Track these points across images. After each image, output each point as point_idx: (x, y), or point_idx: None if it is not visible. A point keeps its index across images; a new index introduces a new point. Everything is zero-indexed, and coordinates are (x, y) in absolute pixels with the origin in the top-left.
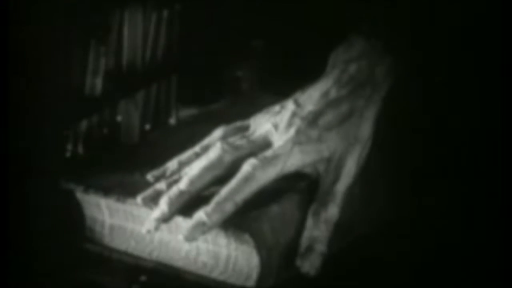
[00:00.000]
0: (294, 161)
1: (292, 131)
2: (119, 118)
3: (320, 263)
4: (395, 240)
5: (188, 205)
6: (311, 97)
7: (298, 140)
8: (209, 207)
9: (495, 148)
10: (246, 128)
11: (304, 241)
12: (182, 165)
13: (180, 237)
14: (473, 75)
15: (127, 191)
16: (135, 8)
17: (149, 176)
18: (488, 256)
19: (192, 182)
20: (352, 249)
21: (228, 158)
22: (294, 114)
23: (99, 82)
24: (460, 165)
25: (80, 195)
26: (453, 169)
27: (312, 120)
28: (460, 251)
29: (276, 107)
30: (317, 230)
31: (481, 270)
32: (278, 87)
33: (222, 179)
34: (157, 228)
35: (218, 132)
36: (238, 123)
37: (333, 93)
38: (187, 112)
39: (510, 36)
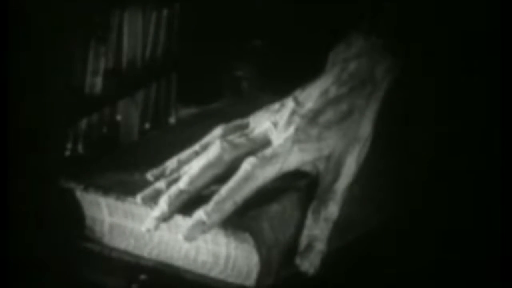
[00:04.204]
0: (294, 159)
1: (291, 129)
2: (118, 117)
3: (319, 261)
4: (395, 239)
5: (187, 204)
6: (310, 95)
7: (297, 138)
8: (208, 206)
9: (496, 147)
10: (246, 126)
11: (304, 239)
12: (181, 164)
13: (180, 236)
14: (474, 74)
15: (126, 190)
16: (135, 8)
17: (149, 175)
18: (489, 256)
19: (191, 181)
20: (351, 248)
21: (227, 157)
22: (293, 112)
23: (99, 82)
24: (460, 164)
25: (79, 194)
26: (453, 169)
27: (312, 118)
28: (461, 250)
29: (276, 105)
30: (317, 229)
31: (482, 270)
32: (278, 87)
33: (221, 178)
34: (156, 227)
35: (217, 131)
36: (238, 121)
37: (332, 91)
38: (186, 112)
39: (510, 36)
